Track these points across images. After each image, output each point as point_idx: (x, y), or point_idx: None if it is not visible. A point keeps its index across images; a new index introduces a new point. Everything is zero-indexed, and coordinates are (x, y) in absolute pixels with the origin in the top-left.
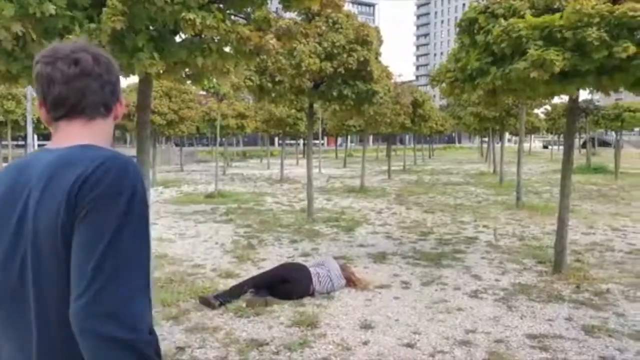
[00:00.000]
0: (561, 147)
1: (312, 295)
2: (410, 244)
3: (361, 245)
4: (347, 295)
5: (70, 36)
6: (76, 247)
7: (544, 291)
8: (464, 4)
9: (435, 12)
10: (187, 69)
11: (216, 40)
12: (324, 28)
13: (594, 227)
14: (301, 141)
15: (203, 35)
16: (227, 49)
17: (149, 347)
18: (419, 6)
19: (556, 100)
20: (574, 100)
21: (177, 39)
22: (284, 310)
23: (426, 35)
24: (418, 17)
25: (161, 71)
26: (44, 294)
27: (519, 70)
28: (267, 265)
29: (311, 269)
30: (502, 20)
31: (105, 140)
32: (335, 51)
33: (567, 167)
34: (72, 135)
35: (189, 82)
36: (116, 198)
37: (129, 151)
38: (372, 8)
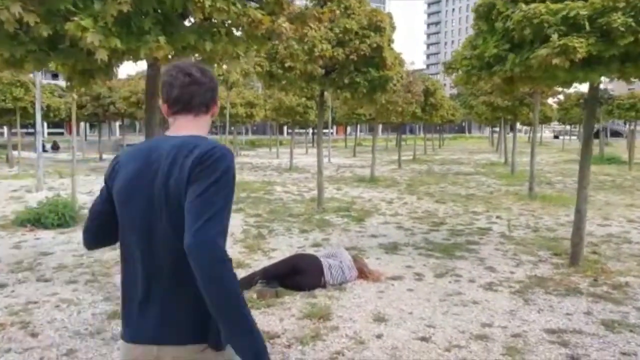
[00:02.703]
0: (573, 138)
1: (323, 286)
2: (422, 235)
3: (373, 236)
4: (359, 287)
5: (75, 18)
6: (189, 199)
7: (560, 284)
8: None
9: (447, 1)
10: (196, 54)
11: (226, 25)
12: (338, 12)
13: (609, 219)
14: (310, 130)
15: (213, 20)
16: (237, 34)
17: (231, 263)
18: None
19: (571, 89)
20: (595, 88)
21: (187, 23)
22: (295, 301)
23: (437, 23)
24: (429, 4)
25: (170, 56)
26: (174, 230)
27: (541, 57)
28: (278, 256)
29: (322, 260)
30: (522, 5)
31: (205, 131)
32: (347, 37)
33: (586, 157)
34: (185, 126)
35: None
36: (216, 170)
37: (138, 138)
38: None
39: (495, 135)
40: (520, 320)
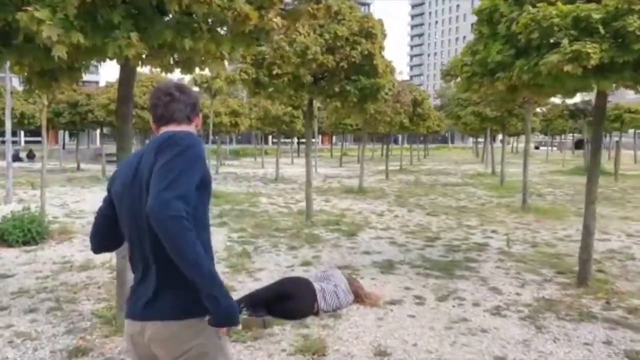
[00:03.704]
0: (554, 148)
1: (316, 314)
2: (417, 251)
3: (366, 253)
4: (356, 313)
5: (29, 8)
6: (153, 172)
7: (572, 308)
8: (458, 5)
9: (430, 13)
10: (174, 54)
11: (209, 20)
12: (335, 8)
13: (607, 233)
14: (295, 139)
15: (193, 14)
16: (221, 31)
17: (188, 220)
18: (413, 6)
19: (558, 100)
20: (603, 97)
21: (165, 18)
22: (285, 333)
23: (420, 35)
24: (412, 17)
25: (143, 56)
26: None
27: (552, 64)
28: (264, 276)
29: (315, 285)
30: (529, 8)
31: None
32: (338, 43)
33: (594, 170)
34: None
35: (177, 69)
36: (178, 145)
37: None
38: (367, 7)
39: (479, 145)
40: (536, 352)
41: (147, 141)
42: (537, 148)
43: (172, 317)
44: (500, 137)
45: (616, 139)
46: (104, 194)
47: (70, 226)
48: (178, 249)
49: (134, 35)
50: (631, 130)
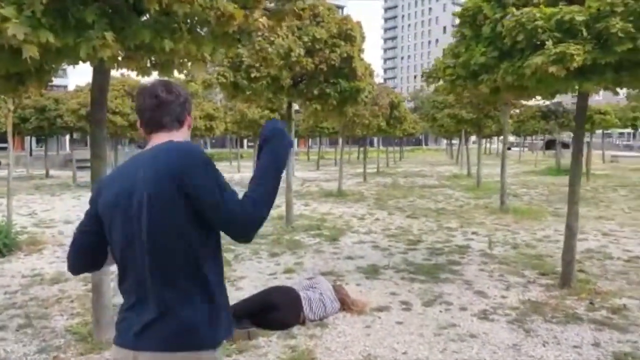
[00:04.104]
0: (525, 149)
1: (302, 323)
2: (400, 255)
3: (349, 258)
4: (343, 321)
5: None
6: (203, 195)
7: (558, 310)
8: (430, 9)
9: (403, 16)
10: (152, 56)
11: (193, 21)
12: (322, 8)
13: (584, 232)
14: None
15: (174, 14)
16: (202, 32)
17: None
18: (386, 9)
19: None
20: (585, 99)
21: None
22: (272, 344)
23: (394, 38)
24: (386, 20)
25: (119, 58)
26: (156, 230)
27: (536, 65)
28: (246, 285)
29: (301, 293)
30: (514, 10)
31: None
32: (317, 46)
33: (576, 172)
34: (160, 140)
35: (155, 72)
36: (205, 167)
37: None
38: (341, 10)
39: (453, 147)
40: (527, 357)
41: (120, 147)
42: (509, 149)
43: (169, 348)
44: (473, 138)
45: (587, 139)
46: (75, 201)
47: (39, 236)
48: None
49: (109, 35)
50: (599, 131)
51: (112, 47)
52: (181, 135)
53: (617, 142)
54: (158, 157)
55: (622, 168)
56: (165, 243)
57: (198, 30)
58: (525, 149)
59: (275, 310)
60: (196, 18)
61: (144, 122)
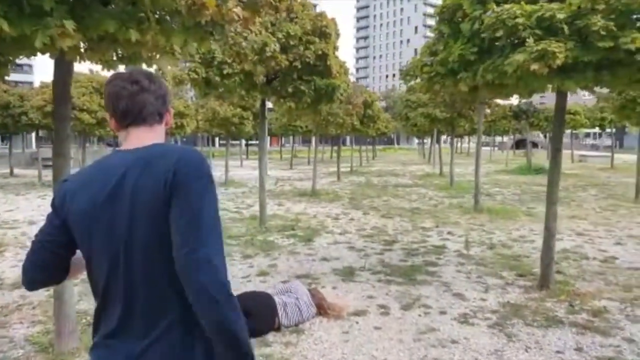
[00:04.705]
0: (495, 148)
1: (277, 329)
2: (376, 256)
3: (324, 259)
4: (320, 327)
5: None
6: (175, 215)
7: (538, 313)
8: (402, 9)
9: (375, 16)
10: (118, 48)
11: (163, 11)
12: (295, 5)
13: (559, 232)
14: (243, 141)
15: (140, 2)
16: (173, 23)
17: (230, 289)
18: (358, 9)
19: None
20: (564, 99)
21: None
22: None
23: (366, 38)
24: (358, 19)
25: (82, 49)
26: (149, 245)
27: (517, 63)
28: None
29: (276, 298)
30: (494, 6)
31: (162, 142)
32: (291, 43)
33: (555, 171)
34: (143, 137)
35: (122, 66)
36: (201, 176)
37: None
38: (313, 9)
39: (424, 146)
40: None
41: (88, 145)
42: None
43: None
44: (444, 137)
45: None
46: (40, 201)
47: (1, 238)
48: (228, 334)
49: (69, 24)
50: (567, 131)
51: (72, 37)
52: (161, 133)
53: (583, 142)
54: (153, 162)
55: (590, 167)
56: (159, 261)
57: (168, 20)
58: (496, 149)
59: (249, 316)
60: (165, 7)
61: (120, 113)
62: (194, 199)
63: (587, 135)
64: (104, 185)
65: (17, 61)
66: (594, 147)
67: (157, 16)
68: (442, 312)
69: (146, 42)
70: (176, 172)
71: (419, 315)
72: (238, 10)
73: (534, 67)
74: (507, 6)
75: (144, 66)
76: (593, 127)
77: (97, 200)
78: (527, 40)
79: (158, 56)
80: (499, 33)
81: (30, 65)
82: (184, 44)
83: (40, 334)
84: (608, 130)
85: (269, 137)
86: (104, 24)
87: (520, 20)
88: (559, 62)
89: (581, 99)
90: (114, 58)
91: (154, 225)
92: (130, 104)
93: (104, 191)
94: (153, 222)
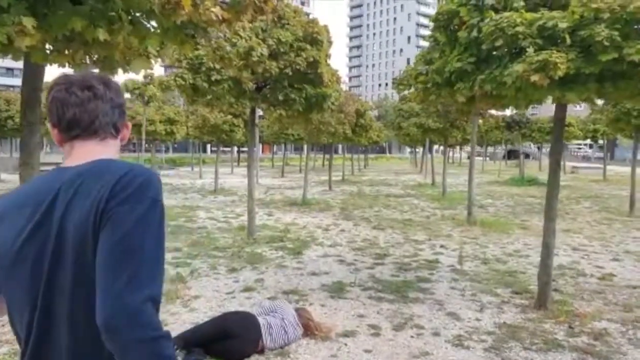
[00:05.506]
0: (487, 158)
1: (261, 352)
2: (367, 270)
3: (313, 274)
4: (306, 349)
5: None
6: (102, 248)
7: (536, 335)
8: (395, 18)
9: (368, 25)
10: (89, 50)
11: (135, 10)
12: (287, 10)
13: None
14: (235, 148)
15: (111, 0)
16: (149, 24)
17: (168, 340)
18: (351, 18)
19: (499, 112)
20: (563, 110)
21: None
22: None
23: (359, 47)
24: (351, 28)
25: (48, 50)
26: (61, 290)
27: (517, 74)
28: (201, 305)
29: (260, 319)
30: (492, 14)
31: (112, 157)
32: (282, 49)
33: (554, 185)
34: (90, 152)
35: (96, 69)
36: (142, 200)
37: (50, 157)
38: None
39: (416, 156)
40: None
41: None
42: (469, 158)
43: None
44: (436, 147)
45: (547, 150)
46: None
47: None
48: None
49: (28, 21)
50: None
51: (32, 36)
52: (115, 148)
53: (574, 153)
54: (89, 183)
55: (582, 179)
56: (84, 308)
57: (142, 21)
58: (487, 159)
59: (232, 337)
60: (137, 6)
61: (66, 123)
62: (130, 230)
63: (579, 146)
64: (33, 213)
65: (6, 65)
66: (586, 159)
67: (130, 17)
68: (436, 334)
69: (117, 44)
70: (111, 196)
71: (412, 337)
72: (217, 10)
73: (535, 78)
74: (506, 14)
75: (120, 71)
76: (585, 138)
77: (22, 233)
78: (527, 49)
79: (133, 59)
80: (499, 42)
81: (20, 69)
82: (160, 47)
83: (7, 357)
84: (600, 141)
85: (260, 145)
86: (69, 22)
87: (520, 29)
88: (560, 73)
89: (573, 110)
90: (88, 62)
91: (78, 263)
92: (79, 113)
93: (31, 221)
94: (78, 259)
